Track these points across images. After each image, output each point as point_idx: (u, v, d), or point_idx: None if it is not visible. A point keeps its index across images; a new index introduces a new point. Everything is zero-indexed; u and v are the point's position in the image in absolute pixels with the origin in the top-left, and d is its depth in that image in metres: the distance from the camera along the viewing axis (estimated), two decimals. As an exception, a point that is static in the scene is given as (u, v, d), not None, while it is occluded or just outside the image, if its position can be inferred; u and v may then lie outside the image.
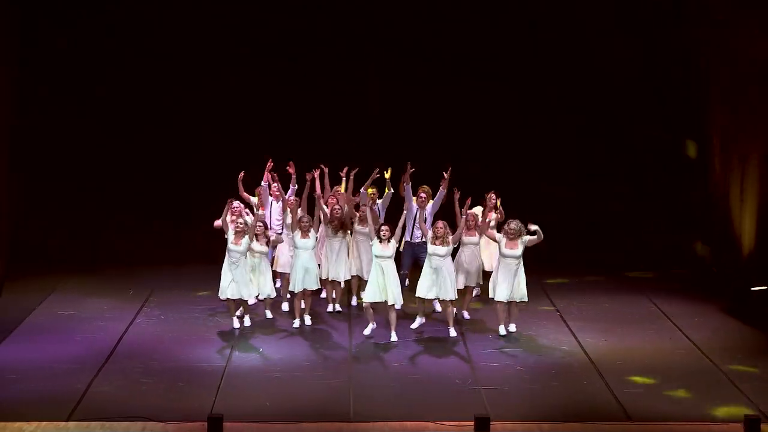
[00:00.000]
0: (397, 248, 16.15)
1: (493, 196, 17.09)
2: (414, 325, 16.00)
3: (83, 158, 20.15)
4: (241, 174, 17.16)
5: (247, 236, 15.98)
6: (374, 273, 15.70)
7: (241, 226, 15.99)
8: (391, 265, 15.69)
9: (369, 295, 15.67)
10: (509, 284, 15.89)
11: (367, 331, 15.79)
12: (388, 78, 20.39)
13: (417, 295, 15.98)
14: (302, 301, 16.31)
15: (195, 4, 20.17)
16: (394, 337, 15.66)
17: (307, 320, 16.39)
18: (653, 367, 14.60)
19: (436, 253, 15.75)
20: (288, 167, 17.05)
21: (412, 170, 16.83)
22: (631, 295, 18.14)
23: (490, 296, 16.14)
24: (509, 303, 16.02)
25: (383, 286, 15.60)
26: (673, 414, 12.99)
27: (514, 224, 15.89)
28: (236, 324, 16.15)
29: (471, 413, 12.54)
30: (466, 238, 16.31)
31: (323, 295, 17.18)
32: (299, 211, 16.55)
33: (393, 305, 15.67)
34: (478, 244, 16.47)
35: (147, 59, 20.15)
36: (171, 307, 17.17)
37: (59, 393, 13.41)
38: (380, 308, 15.81)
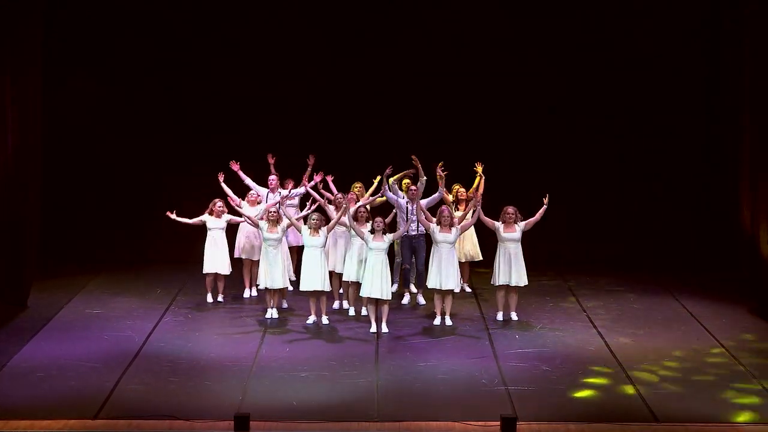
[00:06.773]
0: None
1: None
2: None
3: (112, 155, 20.17)
4: (221, 176, 17.42)
5: (283, 222, 16.37)
6: (369, 266, 15.84)
7: (274, 214, 16.29)
8: (384, 259, 15.88)
9: (365, 290, 15.87)
10: (507, 268, 16.12)
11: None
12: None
13: (430, 287, 16.10)
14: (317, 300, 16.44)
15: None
16: (384, 329, 15.86)
17: (325, 320, 16.46)
18: (681, 368, 14.54)
19: (446, 240, 15.91)
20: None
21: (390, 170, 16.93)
22: (658, 296, 18.07)
23: (491, 282, 16.50)
24: (508, 289, 16.30)
25: (378, 279, 15.79)
26: (701, 416, 12.91)
27: (511, 209, 16.14)
28: (275, 314, 16.56)
29: (497, 413, 12.54)
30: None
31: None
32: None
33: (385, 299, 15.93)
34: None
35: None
36: (198, 306, 17.23)
37: (86, 391, 13.46)
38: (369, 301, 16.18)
